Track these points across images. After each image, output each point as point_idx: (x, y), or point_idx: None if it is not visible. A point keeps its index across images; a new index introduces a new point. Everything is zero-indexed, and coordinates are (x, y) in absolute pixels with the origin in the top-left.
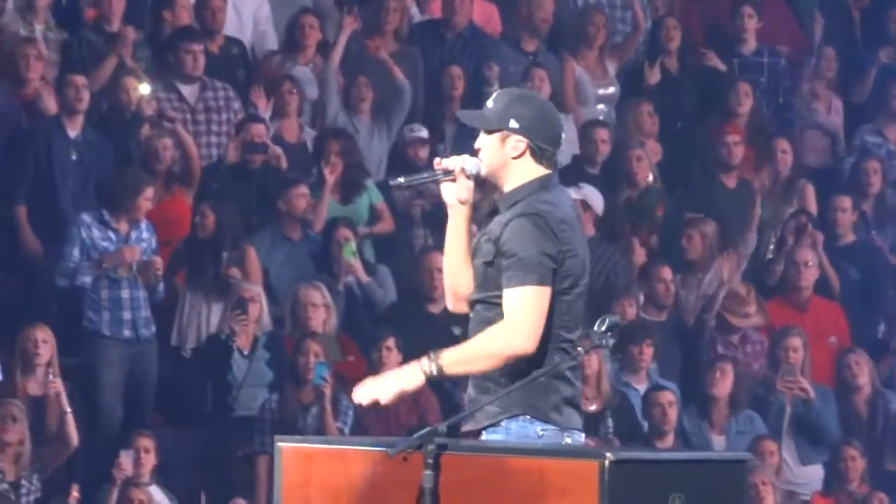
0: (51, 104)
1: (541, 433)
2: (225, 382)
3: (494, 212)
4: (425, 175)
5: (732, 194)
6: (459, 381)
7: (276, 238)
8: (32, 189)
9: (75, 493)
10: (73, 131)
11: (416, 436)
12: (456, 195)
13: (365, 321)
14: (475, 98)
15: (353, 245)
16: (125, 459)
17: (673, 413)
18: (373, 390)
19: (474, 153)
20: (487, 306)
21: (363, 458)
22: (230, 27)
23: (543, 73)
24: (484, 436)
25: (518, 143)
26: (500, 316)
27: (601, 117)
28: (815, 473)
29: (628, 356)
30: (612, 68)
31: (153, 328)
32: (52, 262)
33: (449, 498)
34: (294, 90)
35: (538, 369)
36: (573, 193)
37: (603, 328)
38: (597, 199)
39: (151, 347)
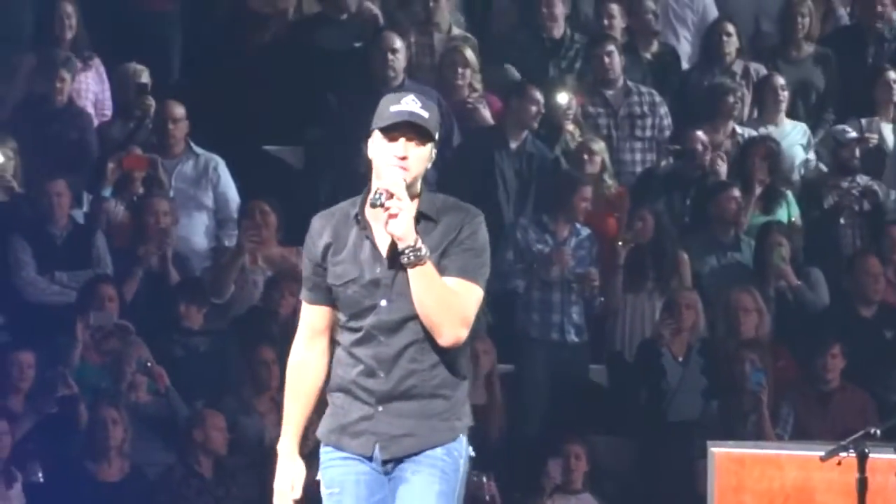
0: (485, 114)
1: (472, 452)
2: (658, 389)
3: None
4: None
5: None
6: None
7: (708, 242)
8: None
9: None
10: (515, 142)
11: (849, 440)
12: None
13: (797, 326)
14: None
15: (783, 249)
16: (553, 467)
17: None
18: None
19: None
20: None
21: (795, 463)
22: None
23: None
24: (440, 452)
25: (433, 152)
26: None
27: None
28: None
29: None
30: None
31: (585, 335)
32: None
33: (885, 501)
34: (734, 99)
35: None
36: None
37: None
38: None
39: (581, 353)
